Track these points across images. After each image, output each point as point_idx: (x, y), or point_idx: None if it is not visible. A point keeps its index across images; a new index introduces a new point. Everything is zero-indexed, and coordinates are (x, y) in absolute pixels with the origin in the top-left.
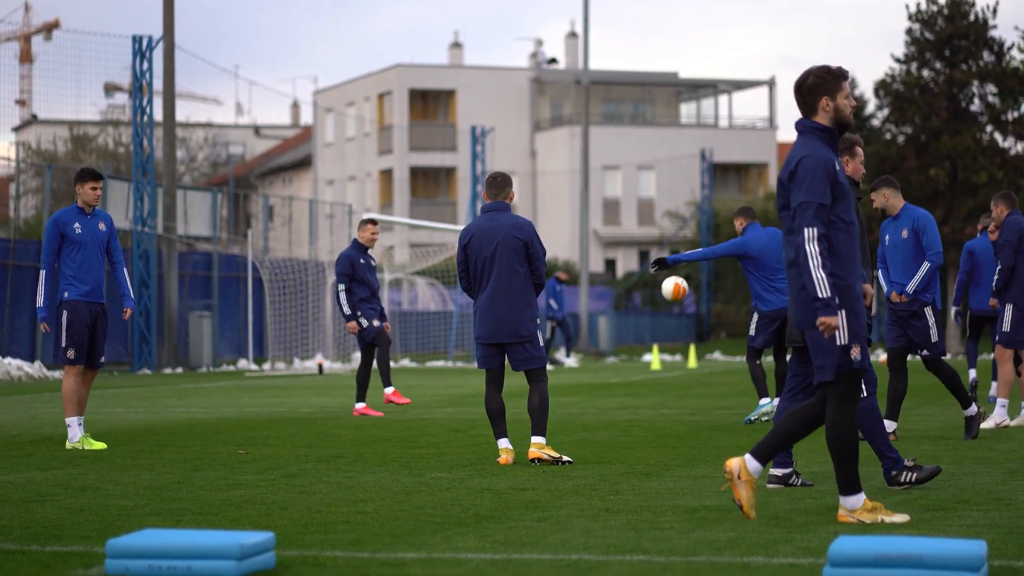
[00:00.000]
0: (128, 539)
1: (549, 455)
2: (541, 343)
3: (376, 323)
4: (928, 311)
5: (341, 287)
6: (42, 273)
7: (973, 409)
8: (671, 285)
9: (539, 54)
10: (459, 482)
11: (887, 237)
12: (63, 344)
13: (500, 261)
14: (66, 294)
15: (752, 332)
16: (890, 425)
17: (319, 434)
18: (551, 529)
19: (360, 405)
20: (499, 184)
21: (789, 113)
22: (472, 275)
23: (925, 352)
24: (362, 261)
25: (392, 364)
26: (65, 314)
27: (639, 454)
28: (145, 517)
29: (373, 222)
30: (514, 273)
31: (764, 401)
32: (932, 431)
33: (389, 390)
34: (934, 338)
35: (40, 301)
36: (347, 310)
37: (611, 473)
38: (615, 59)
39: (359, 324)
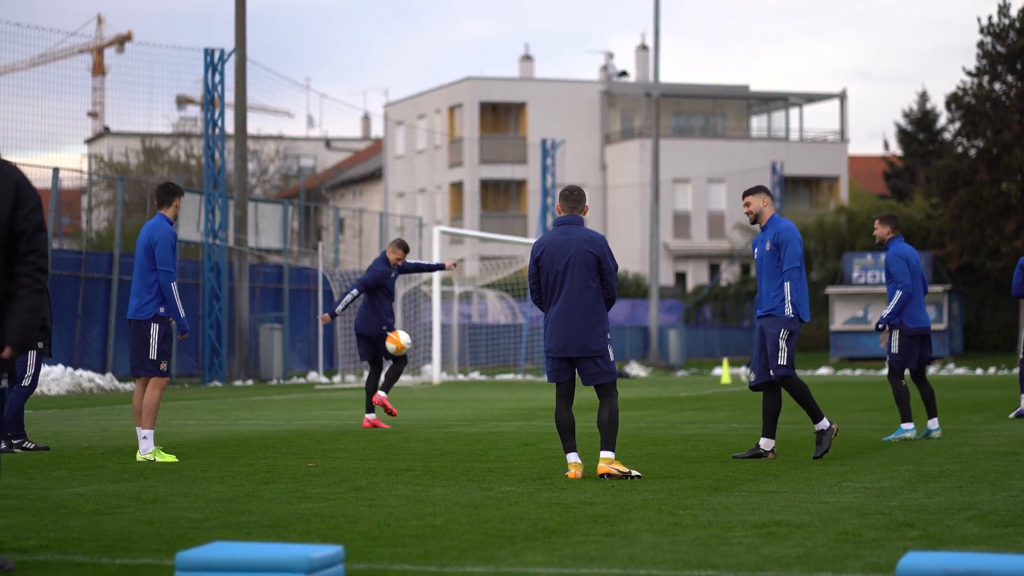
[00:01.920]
0: (198, 552)
1: (618, 470)
2: (612, 358)
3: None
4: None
5: (354, 291)
6: (174, 285)
7: (824, 424)
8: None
9: (610, 67)
10: (528, 496)
11: (756, 250)
12: (154, 357)
13: (572, 275)
14: (162, 309)
15: (896, 350)
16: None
17: (388, 447)
18: (619, 544)
19: (371, 417)
20: (573, 198)
21: (860, 126)
22: (543, 288)
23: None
24: (392, 276)
25: (462, 377)
26: (159, 327)
27: (708, 468)
28: (215, 530)
29: (405, 248)
30: (585, 287)
31: (908, 427)
32: (1003, 447)
33: (372, 417)
34: (779, 359)
35: (182, 312)
36: (338, 309)
37: (680, 488)
38: (686, 72)
39: (387, 330)
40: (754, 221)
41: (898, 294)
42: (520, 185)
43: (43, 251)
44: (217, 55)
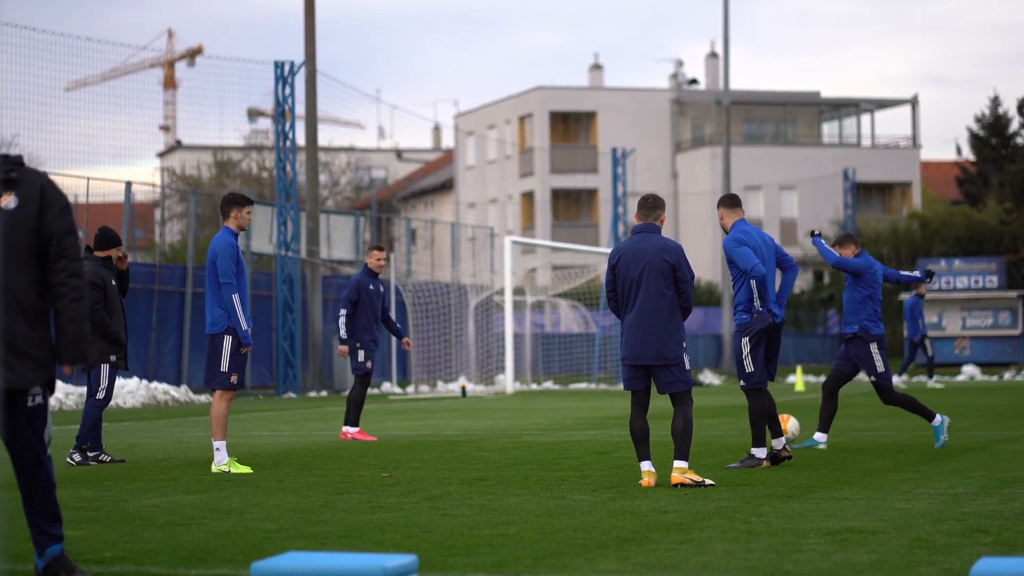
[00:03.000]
0: (272, 562)
1: (691, 479)
2: (687, 366)
3: (369, 364)
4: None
5: (343, 312)
6: (235, 297)
7: (780, 442)
8: None
9: (680, 75)
10: (601, 504)
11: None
12: (225, 369)
13: (647, 283)
14: (231, 323)
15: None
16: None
17: (462, 457)
18: (692, 551)
19: (352, 430)
20: (650, 206)
21: (932, 132)
22: (619, 296)
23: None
24: (371, 287)
25: (535, 386)
26: (231, 340)
27: (782, 476)
28: (289, 540)
29: (380, 248)
30: (661, 295)
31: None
32: None
33: (353, 429)
34: (747, 367)
35: (244, 324)
36: (343, 334)
37: (753, 495)
38: (756, 79)
39: (353, 352)
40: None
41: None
42: (591, 194)
43: (75, 255)
44: (287, 67)
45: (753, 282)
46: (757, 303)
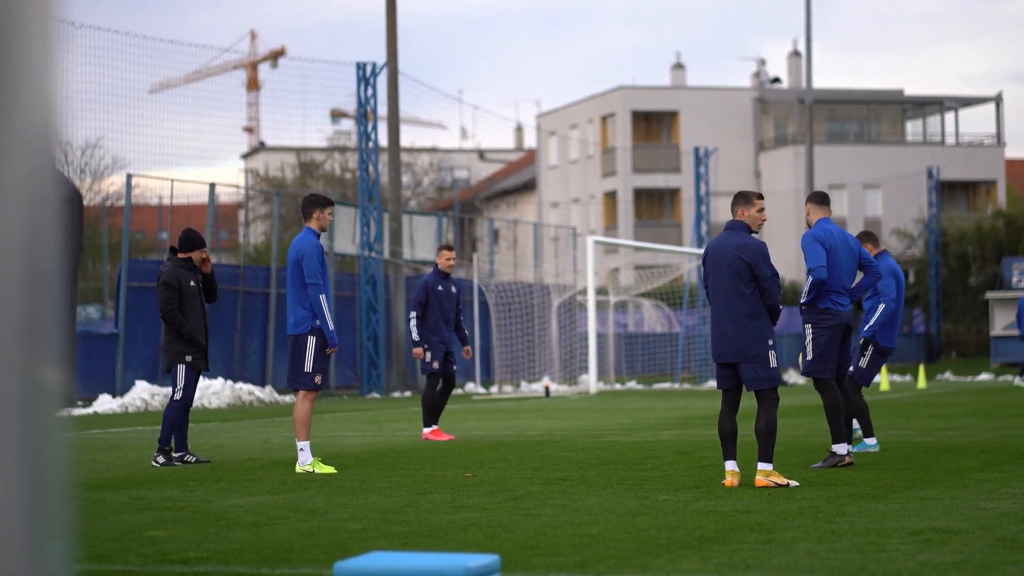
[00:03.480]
0: (355, 562)
1: (775, 482)
2: (773, 364)
3: (436, 365)
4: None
5: (412, 314)
6: (322, 298)
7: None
8: None
9: (762, 73)
10: (684, 504)
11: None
12: (309, 369)
13: (725, 280)
14: (318, 321)
15: (864, 365)
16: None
17: (545, 457)
18: (775, 551)
19: (427, 430)
20: (732, 202)
21: (1017, 129)
22: (707, 291)
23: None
24: (440, 288)
25: (618, 386)
26: (314, 340)
27: (866, 475)
28: (373, 540)
29: (449, 248)
30: (738, 292)
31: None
32: None
33: (427, 430)
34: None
35: (331, 324)
36: (415, 337)
37: (837, 495)
38: (839, 77)
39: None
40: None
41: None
42: (674, 194)
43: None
44: (369, 69)
45: (810, 280)
46: (802, 296)
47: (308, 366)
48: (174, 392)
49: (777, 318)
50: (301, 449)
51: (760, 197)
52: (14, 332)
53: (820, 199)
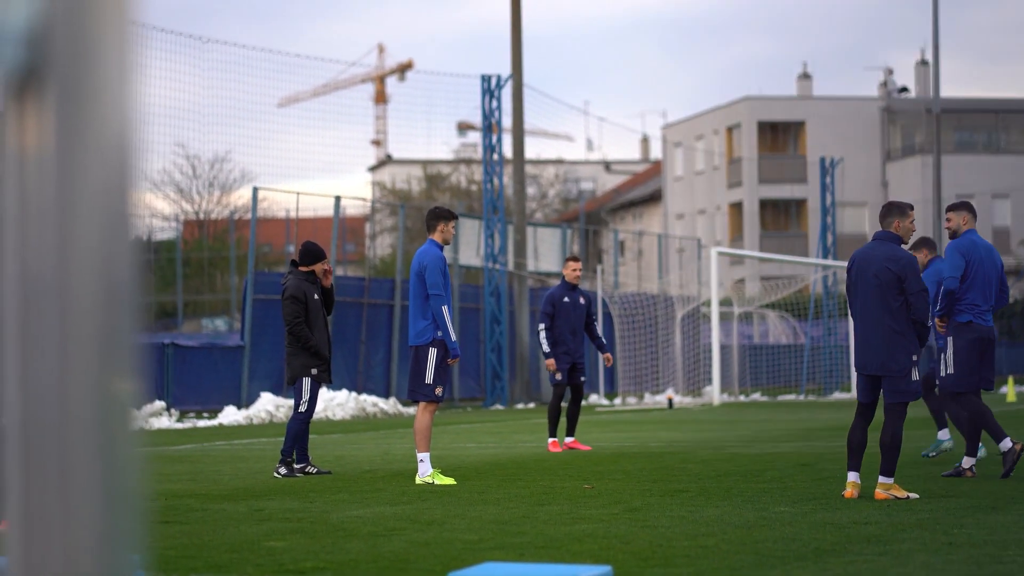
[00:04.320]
0: (469, 572)
1: (895, 495)
2: (915, 378)
3: (559, 376)
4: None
5: (541, 326)
6: (445, 309)
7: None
8: None
9: (889, 83)
10: (802, 516)
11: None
12: (430, 381)
13: (872, 291)
14: (439, 333)
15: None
16: None
17: (665, 468)
18: (891, 563)
19: (550, 440)
20: (881, 213)
21: None
22: (850, 302)
23: None
24: (566, 300)
25: (742, 398)
26: (435, 352)
27: (986, 487)
28: (488, 551)
29: (574, 259)
30: (885, 305)
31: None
32: None
33: (570, 439)
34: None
35: (453, 335)
36: (546, 348)
37: (956, 507)
38: (967, 86)
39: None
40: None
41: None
42: (800, 204)
43: None
44: (494, 81)
45: (942, 291)
46: (934, 308)
47: (429, 378)
48: (298, 404)
49: (926, 335)
50: (421, 460)
51: (912, 208)
52: (91, 344)
53: (967, 208)
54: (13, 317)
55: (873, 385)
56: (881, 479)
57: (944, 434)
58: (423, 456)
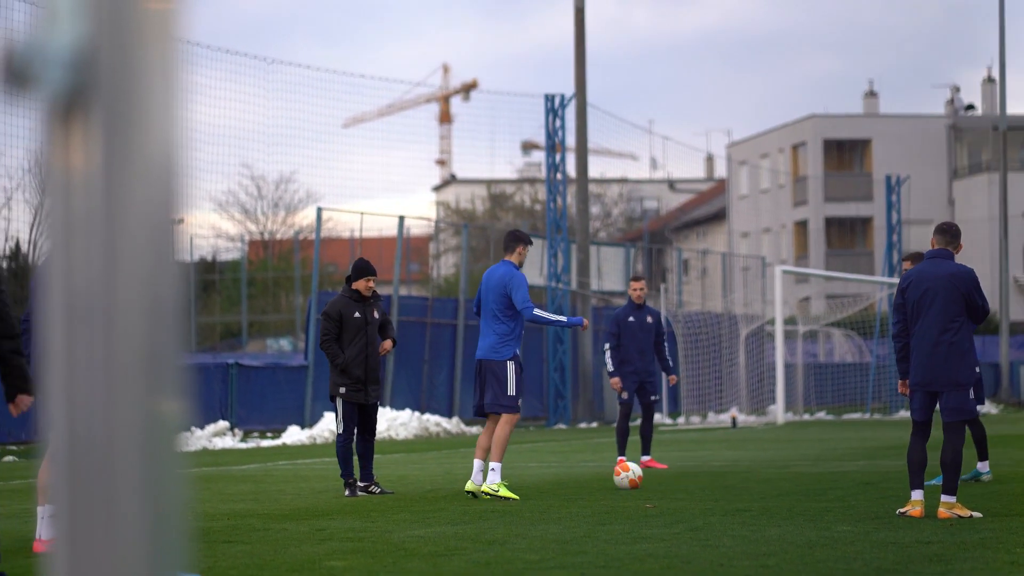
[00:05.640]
0: None
1: (958, 514)
2: (971, 396)
3: (625, 395)
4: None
5: (607, 345)
6: (537, 310)
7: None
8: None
9: (956, 101)
10: (864, 535)
11: None
12: (514, 392)
13: (937, 307)
14: (517, 351)
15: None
16: None
17: (727, 487)
18: None
19: (620, 458)
20: (951, 232)
21: None
22: (908, 319)
23: None
24: (631, 319)
25: (807, 416)
26: (515, 366)
27: None
28: (549, 570)
29: (637, 279)
30: (951, 319)
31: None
32: None
33: (646, 458)
34: None
35: (563, 317)
36: (611, 367)
37: (1019, 526)
38: None
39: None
40: None
41: None
42: (866, 222)
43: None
44: (558, 100)
45: None
46: None
47: (512, 390)
48: (335, 425)
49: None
50: (493, 469)
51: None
52: (136, 364)
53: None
54: (59, 337)
55: (931, 402)
56: (944, 498)
57: (984, 466)
58: (495, 465)
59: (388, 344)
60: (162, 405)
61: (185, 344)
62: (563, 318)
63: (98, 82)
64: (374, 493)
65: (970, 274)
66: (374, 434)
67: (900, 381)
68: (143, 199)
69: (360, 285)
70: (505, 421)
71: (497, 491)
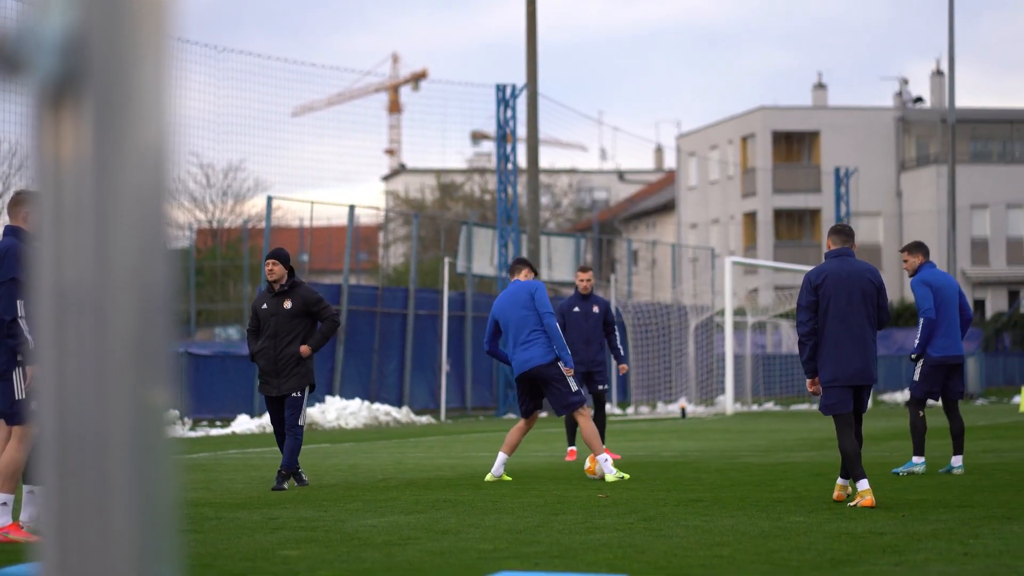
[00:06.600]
0: None
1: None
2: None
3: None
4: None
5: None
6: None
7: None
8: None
9: (904, 93)
10: (817, 526)
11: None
12: (575, 389)
13: (856, 304)
14: (555, 347)
15: (917, 378)
16: None
17: (678, 478)
18: (906, 573)
19: (570, 448)
20: (847, 232)
21: None
22: (820, 316)
23: None
24: (576, 310)
25: (755, 407)
26: (560, 366)
27: (1001, 497)
28: (503, 560)
29: (583, 269)
30: (868, 317)
31: (918, 460)
32: None
33: (568, 448)
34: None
35: (567, 350)
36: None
37: (971, 517)
38: (982, 96)
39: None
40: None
41: (920, 322)
42: (814, 214)
43: None
44: (509, 91)
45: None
46: None
47: (573, 387)
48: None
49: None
50: (605, 460)
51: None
52: (127, 353)
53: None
54: (48, 326)
55: (852, 396)
56: (841, 481)
57: (957, 460)
58: (603, 456)
59: (304, 349)
60: (152, 394)
61: (175, 333)
62: (565, 348)
63: (89, 69)
64: (284, 489)
65: (878, 271)
66: (290, 426)
67: (809, 380)
68: (134, 187)
69: (267, 271)
70: (581, 415)
71: (623, 476)
